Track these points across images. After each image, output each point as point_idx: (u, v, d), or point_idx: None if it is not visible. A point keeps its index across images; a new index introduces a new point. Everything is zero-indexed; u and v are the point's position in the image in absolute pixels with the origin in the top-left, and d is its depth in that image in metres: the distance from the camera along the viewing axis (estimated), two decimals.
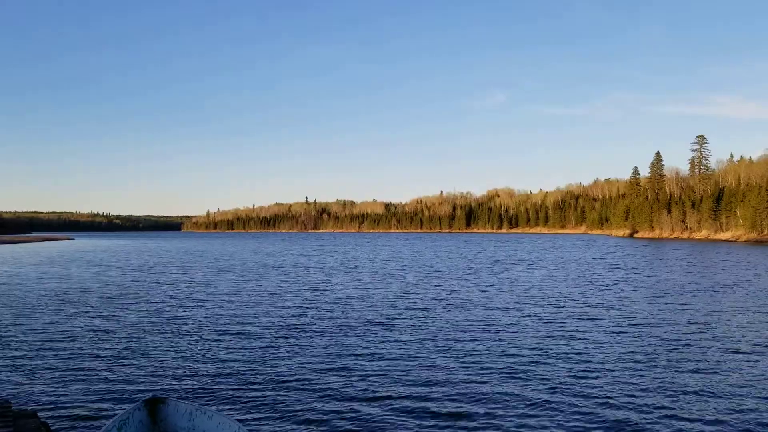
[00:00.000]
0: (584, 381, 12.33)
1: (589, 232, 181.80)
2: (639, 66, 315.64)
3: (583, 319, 20.13)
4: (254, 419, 10.11)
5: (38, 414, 8.80)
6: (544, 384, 12.11)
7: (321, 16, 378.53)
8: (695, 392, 11.52)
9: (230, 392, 11.64)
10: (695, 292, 27.58)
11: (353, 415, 10.34)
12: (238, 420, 9.00)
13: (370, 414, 10.38)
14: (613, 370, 13.14)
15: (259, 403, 10.98)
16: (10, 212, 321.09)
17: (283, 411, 10.52)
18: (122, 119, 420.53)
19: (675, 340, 16.49)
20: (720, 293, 27.25)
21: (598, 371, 13.11)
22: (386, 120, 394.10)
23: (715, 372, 13.00)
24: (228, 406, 10.74)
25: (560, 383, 12.14)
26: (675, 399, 11.10)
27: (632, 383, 12.14)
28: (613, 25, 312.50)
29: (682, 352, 15.01)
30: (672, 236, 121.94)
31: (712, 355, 14.65)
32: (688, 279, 34.37)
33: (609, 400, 11.02)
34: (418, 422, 9.98)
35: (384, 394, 11.49)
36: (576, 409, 10.57)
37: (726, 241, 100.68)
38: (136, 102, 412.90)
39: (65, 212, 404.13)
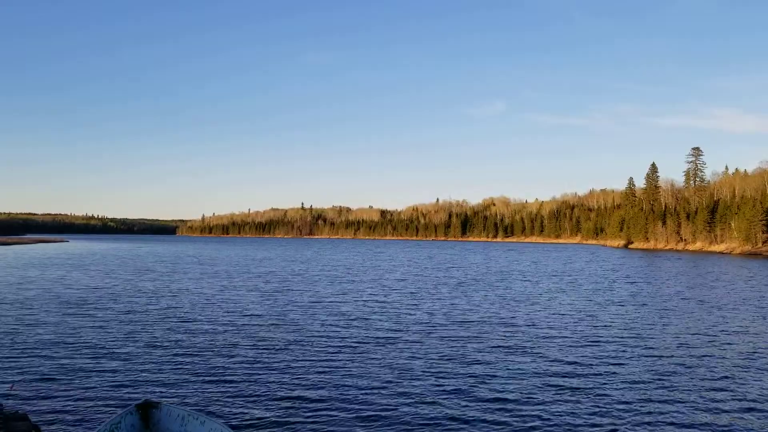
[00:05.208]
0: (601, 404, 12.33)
1: (584, 242, 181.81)
2: (637, 77, 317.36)
3: (608, 339, 19.50)
4: (246, 426, 10.06)
5: (29, 417, 8.75)
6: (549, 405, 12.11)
7: (321, 22, 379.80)
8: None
9: (223, 398, 11.60)
10: (712, 309, 27.62)
11: (345, 420, 10.31)
12: (230, 426, 8.98)
13: (360, 420, 10.35)
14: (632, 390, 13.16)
15: (252, 410, 10.94)
16: (5, 213, 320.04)
17: (275, 419, 10.49)
18: (119, 122, 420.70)
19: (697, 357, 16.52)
20: (741, 309, 27.32)
21: (618, 393, 13.12)
22: (384, 127, 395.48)
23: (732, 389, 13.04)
24: (220, 412, 10.70)
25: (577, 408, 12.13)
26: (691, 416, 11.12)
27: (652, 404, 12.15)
28: (612, 36, 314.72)
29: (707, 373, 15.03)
30: (666, 247, 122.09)
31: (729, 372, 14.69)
32: (703, 294, 34.43)
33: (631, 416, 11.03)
34: None
35: (377, 403, 11.47)
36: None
37: (720, 253, 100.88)
38: (133, 105, 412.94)
39: (60, 214, 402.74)
